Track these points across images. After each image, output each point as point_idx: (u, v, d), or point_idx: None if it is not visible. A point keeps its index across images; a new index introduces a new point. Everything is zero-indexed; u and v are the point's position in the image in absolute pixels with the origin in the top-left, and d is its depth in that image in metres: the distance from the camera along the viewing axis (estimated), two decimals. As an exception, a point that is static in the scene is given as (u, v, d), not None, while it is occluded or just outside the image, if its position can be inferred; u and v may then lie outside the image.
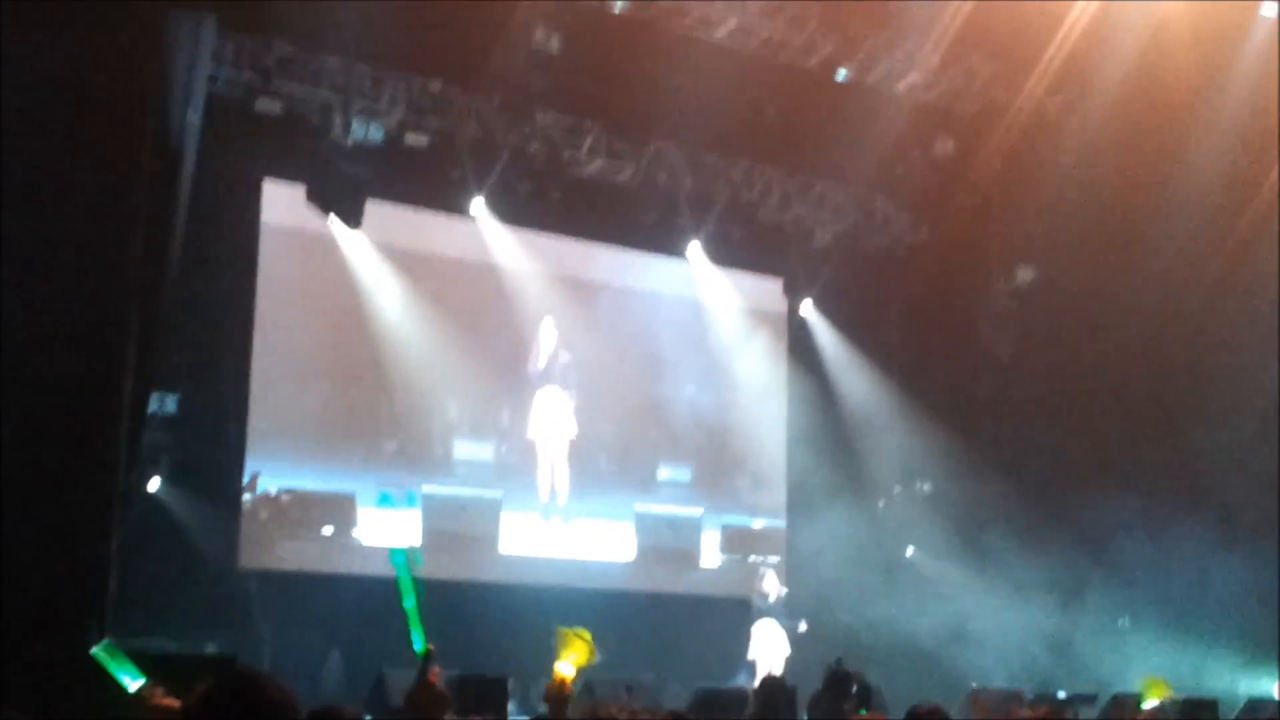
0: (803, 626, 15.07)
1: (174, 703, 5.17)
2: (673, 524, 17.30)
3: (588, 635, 10.60)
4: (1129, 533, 15.52)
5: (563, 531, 16.61)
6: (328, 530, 14.98)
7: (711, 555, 17.51)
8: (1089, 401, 16.69)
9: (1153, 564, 15.44)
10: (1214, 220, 15.65)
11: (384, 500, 14.11)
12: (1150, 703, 11.78)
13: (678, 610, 16.28)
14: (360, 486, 15.21)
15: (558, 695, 8.63)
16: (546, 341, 16.55)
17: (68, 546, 8.62)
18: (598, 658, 10.75)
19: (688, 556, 17.25)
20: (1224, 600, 15.20)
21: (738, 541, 17.62)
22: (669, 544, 17.18)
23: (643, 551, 16.90)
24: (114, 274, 8.92)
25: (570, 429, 16.71)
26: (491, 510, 15.99)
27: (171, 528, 13.53)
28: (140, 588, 11.17)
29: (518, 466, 16.55)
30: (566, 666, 10.21)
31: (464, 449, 16.42)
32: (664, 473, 17.74)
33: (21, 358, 8.50)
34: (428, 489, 15.70)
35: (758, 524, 17.90)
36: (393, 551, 13.11)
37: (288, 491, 14.85)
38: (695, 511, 17.52)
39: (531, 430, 16.65)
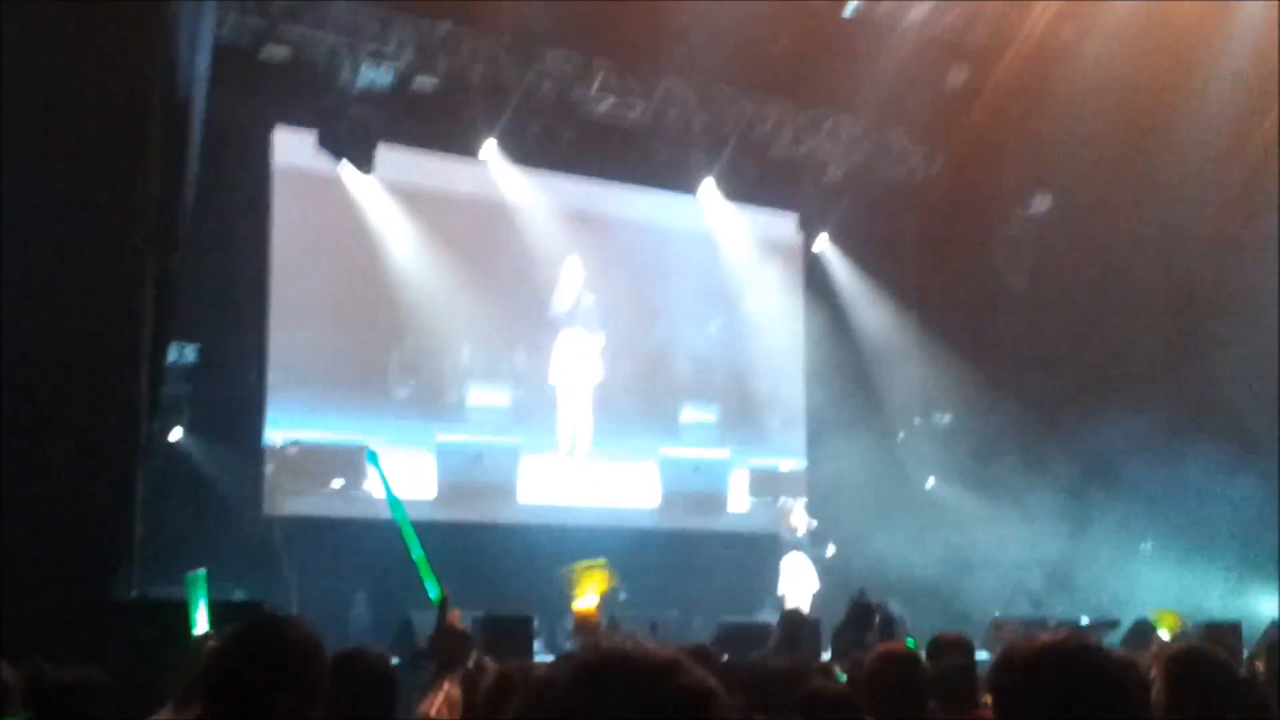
0: (831, 549, 15.08)
1: None
2: (699, 468, 17.06)
3: (600, 561, 10.55)
4: (1148, 458, 15.52)
5: (584, 478, 16.40)
6: (337, 483, 14.79)
7: (740, 499, 17.29)
8: (1106, 327, 16.64)
9: (1172, 488, 15.45)
10: (1229, 142, 15.52)
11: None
12: (1163, 633, 11.78)
13: (702, 547, 16.30)
14: (374, 433, 15.14)
15: (587, 626, 8.65)
16: (572, 281, 16.34)
17: (93, 497, 8.68)
18: (616, 579, 10.70)
19: (715, 501, 17.01)
20: (1245, 523, 15.21)
21: (767, 484, 17.35)
22: (695, 488, 16.93)
23: (668, 497, 16.69)
24: (129, 225, 8.92)
25: (595, 373, 16.47)
26: (509, 458, 15.78)
27: (195, 476, 13.62)
28: (166, 536, 11.23)
29: (535, 411, 16.38)
30: (588, 599, 10.21)
31: (479, 395, 16.24)
32: (688, 414, 17.52)
33: (41, 312, 8.53)
34: (442, 438, 15.50)
35: (785, 465, 17.71)
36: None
37: (294, 444, 14.73)
38: (722, 454, 17.31)
39: (554, 374, 16.39)
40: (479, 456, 15.57)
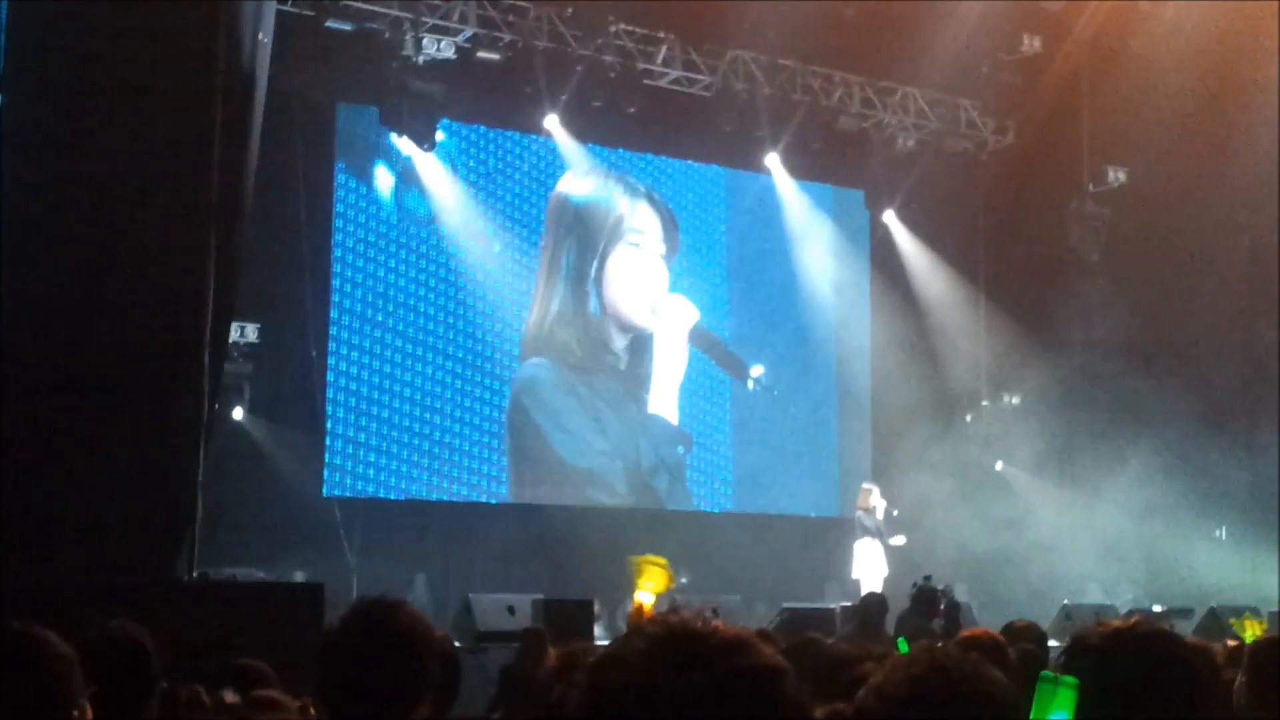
0: (901, 540, 14.69)
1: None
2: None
3: (663, 561, 10.41)
4: (1223, 440, 15.18)
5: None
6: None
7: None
8: (1182, 304, 16.25)
9: (1247, 473, 15.10)
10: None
11: None
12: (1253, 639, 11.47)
13: (763, 530, 16.08)
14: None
15: (640, 620, 8.58)
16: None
17: (155, 477, 8.63)
18: (676, 583, 10.58)
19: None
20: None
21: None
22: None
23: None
24: (192, 202, 8.84)
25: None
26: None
27: (256, 456, 13.58)
28: (227, 517, 11.22)
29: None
30: (646, 595, 10.11)
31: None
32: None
33: (102, 289, 8.47)
34: None
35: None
36: None
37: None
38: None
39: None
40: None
